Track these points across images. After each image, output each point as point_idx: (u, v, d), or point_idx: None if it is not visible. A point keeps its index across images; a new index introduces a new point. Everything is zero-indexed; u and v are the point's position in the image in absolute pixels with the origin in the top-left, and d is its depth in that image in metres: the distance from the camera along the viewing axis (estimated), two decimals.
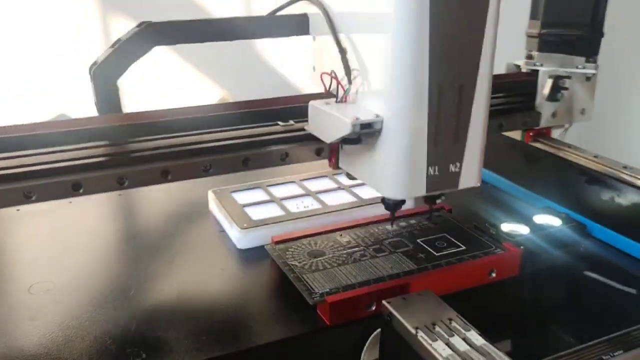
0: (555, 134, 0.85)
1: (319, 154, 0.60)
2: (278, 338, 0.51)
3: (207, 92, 1.29)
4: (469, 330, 0.47)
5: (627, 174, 0.69)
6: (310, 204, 0.73)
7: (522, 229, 0.66)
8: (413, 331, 0.47)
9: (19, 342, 0.51)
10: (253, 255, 0.65)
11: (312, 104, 0.55)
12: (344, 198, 0.74)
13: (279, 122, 0.61)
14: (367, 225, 0.67)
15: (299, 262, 0.59)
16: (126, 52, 0.58)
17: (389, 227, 0.66)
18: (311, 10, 0.58)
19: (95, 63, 0.59)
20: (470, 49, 0.48)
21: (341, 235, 0.65)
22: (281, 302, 0.57)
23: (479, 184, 0.53)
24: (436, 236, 0.64)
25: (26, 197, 0.52)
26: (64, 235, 0.70)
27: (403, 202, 0.55)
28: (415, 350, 0.47)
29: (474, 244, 0.63)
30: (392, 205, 0.55)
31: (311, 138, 0.58)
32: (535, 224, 0.68)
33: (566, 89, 0.77)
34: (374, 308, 0.54)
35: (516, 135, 0.84)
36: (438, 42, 0.46)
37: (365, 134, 0.50)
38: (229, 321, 0.54)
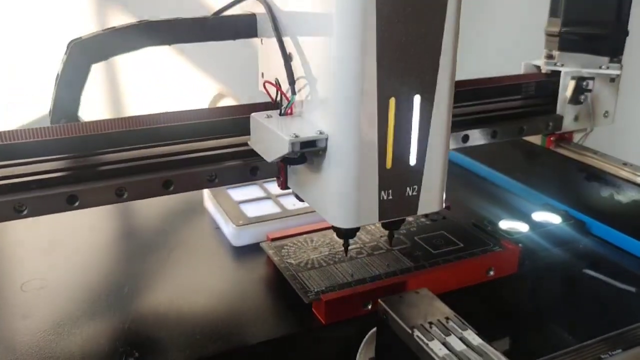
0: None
1: None
2: (272, 337, 0.51)
3: (203, 86, 1.28)
4: (465, 329, 0.46)
5: (627, 171, 0.68)
6: None
7: (521, 227, 0.66)
8: (409, 330, 0.46)
9: (11, 341, 0.51)
10: (248, 253, 0.64)
11: (253, 116, 0.48)
12: None
13: None
14: None
15: (295, 260, 0.58)
16: (69, 81, 0.55)
17: None
18: (259, 10, 0.52)
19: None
20: (427, 53, 0.42)
21: None
22: (276, 301, 0.56)
23: (441, 208, 0.47)
24: (434, 234, 0.64)
25: (17, 212, 0.49)
26: (57, 232, 0.70)
27: (356, 230, 0.49)
28: (411, 349, 0.46)
29: (472, 241, 0.62)
30: (344, 234, 0.50)
31: None
32: (534, 221, 0.67)
33: (589, 90, 0.73)
34: (370, 307, 0.53)
35: (536, 140, 0.81)
36: (387, 46, 0.40)
37: (309, 153, 0.44)
38: (223, 319, 0.53)
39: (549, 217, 0.68)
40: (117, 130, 0.53)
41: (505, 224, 0.66)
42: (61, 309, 0.55)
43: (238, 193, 0.73)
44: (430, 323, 0.47)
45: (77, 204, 0.51)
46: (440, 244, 0.61)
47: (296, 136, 0.42)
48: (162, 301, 0.56)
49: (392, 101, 0.42)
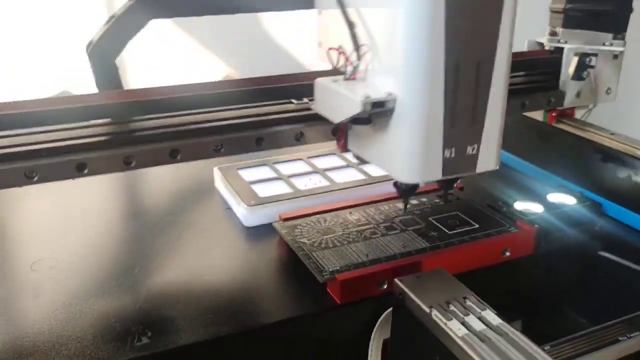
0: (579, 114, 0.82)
1: (335, 134, 0.57)
2: (287, 317, 0.50)
3: (212, 70, 1.27)
4: (484, 309, 0.46)
5: None
6: (318, 181, 0.71)
7: (536, 208, 0.65)
8: (427, 310, 0.45)
9: (22, 320, 0.50)
10: (260, 233, 0.63)
11: (319, 81, 0.51)
12: (352, 176, 0.72)
13: (293, 100, 0.59)
14: (377, 203, 0.65)
15: (308, 240, 0.58)
16: (121, 28, 0.55)
17: (400, 205, 0.65)
18: None
19: (91, 42, 0.56)
20: (489, 21, 0.45)
21: (351, 212, 0.63)
22: (290, 281, 0.55)
23: (497, 167, 0.50)
24: (448, 214, 0.63)
25: (28, 178, 0.50)
26: (67, 211, 0.69)
27: (416, 186, 0.53)
28: (429, 329, 0.45)
29: (487, 222, 0.61)
30: (406, 190, 0.54)
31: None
32: (549, 202, 0.66)
33: (592, 67, 0.73)
34: (385, 286, 0.52)
35: (538, 115, 0.81)
36: (454, 14, 0.43)
37: (376, 114, 0.46)
38: (236, 300, 0.52)
39: (564, 199, 0.67)
40: (126, 101, 0.54)
41: (520, 205, 0.65)
42: (72, 288, 0.54)
43: (249, 173, 0.72)
44: (448, 303, 0.46)
45: (85, 171, 0.52)
46: (455, 225, 0.60)
47: (368, 97, 0.45)
48: (174, 281, 0.55)
49: (458, 65, 0.44)
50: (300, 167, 0.75)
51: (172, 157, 0.54)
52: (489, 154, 0.48)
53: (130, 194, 0.76)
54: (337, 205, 0.64)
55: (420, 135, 0.45)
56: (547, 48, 0.76)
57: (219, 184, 0.72)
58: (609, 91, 0.76)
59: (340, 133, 0.54)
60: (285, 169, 0.74)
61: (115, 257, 0.60)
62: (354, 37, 0.48)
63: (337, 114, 0.49)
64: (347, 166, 0.75)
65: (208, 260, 0.59)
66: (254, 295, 0.53)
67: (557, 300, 0.61)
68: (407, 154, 0.46)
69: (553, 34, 0.76)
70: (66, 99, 0.53)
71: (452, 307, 0.46)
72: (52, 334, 0.48)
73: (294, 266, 0.55)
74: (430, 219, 0.62)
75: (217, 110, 0.57)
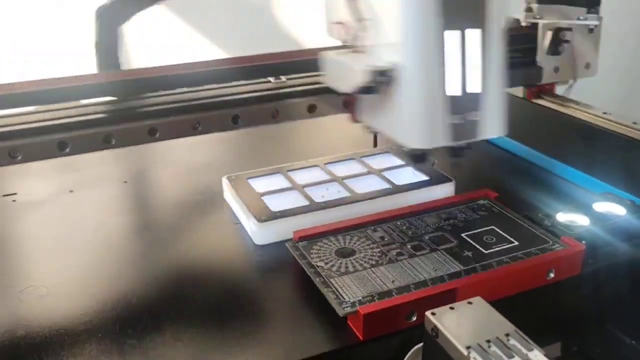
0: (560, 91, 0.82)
1: (311, 110, 0.60)
2: (301, 357, 0.43)
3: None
4: (531, 349, 0.39)
5: None
6: (336, 191, 0.64)
7: (581, 220, 0.57)
8: (464, 351, 0.39)
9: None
10: (273, 253, 0.57)
11: (325, 55, 0.54)
12: (375, 184, 0.65)
13: (270, 79, 0.61)
14: (403, 217, 0.58)
15: (326, 263, 0.51)
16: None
17: (428, 219, 0.58)
18: None
19: (102, 6, 0.59)
20: None
21: (374, 229, 0.56)
22: (305, 311, 0.49)
23: (502, 134, 0.50)
24: (483, 230, 0.56)
25: (12, 157, 0.53)
26: (61, 230, 0.63)
27: (427, 154, 0.54)
28: None
29: (528, 238, 0.54)
30: (417, 157, 0.54)
31: (302, 95, 0.59)
32: (595, 213, 0.59)
33: (567, 41, 0.74)
34: (414, 318, 0.46)
35: (517, 92, 0.81)
36: None
37: (380, 83, 0.48)
38: (244, 335, 0.46)
39: (612, 208, 0.60)
40: (105, 81, 0.56)
41: (562, 217, 0.58)
42: (64, 320, 0.48)
43: (260, 183, 0.66)
44: (489, 341, 0.40)
45: (67, 150, 0.55)
46: (492, 242, 0.54)
47: (372, 67, 0.47)
48: (177, 310, 0.49)
49: (454, 34, 0.46)
50: (316, 175, 0.68)
51: (151, 135, 0.56)
52: (492, 120, 0.49)
53: (130, 208, 0.69)
54: (357, 220, 0.57)
55: (424, 101, 0.47)
56: (523, 24, 0.77)
57: (228, 195, 0.66)
58: (588, 66, 0.77)
59: (348, 105, 0.56)
60: (299, 177, 0.67)
61: (112, 282, 0.53)
62: (356, 11, 0.50)
63: (345, 85, 0.51)
64: (369, 173, 0.68)
65: (214, 285, 0.52)
66: (264, 328, 0.47)
67: (614, 328, 0.54)
68: (413, 120, 0.48)
69: (529, 10, 0.77)
70: (49, 81, 0.54)
71: (492, 348, 0.39)
72: None
73: (310, 293, 0.49)
74: (463, 235, 0.55)
75: (195, 90, 0.59)
